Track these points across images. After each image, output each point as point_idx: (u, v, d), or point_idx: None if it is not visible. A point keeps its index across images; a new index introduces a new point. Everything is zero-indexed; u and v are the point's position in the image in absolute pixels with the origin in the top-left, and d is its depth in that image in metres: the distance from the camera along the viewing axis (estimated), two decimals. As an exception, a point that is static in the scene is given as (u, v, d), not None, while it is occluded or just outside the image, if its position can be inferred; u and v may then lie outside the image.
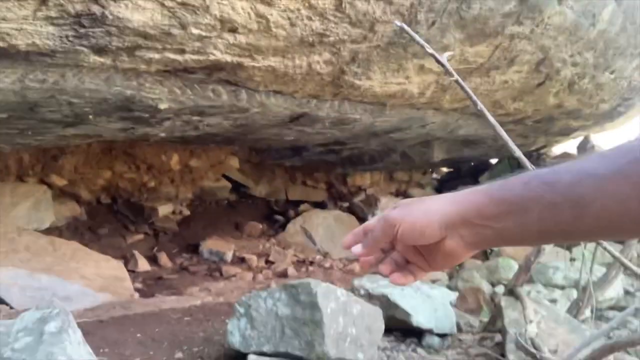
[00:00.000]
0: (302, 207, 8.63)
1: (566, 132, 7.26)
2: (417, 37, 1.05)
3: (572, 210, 0.53)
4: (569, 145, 9.09)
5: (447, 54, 1.11)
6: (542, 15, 3.36)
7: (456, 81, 1.04)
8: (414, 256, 0.70)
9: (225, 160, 7.83)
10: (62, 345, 1.44)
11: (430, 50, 1.04)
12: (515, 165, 9.39)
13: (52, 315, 1.57)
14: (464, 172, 9.73)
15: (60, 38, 2.21)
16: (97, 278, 5.03)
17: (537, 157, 9.05)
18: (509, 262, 5.11)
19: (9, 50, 2.22)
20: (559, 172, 0.55)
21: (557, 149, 9.26)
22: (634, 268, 1.35)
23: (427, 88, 3.95)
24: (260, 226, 8.00)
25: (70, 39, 2.22)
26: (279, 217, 8.36)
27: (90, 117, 3.43)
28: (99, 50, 2.35)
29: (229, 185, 8.19)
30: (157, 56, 2.46)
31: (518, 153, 1.09)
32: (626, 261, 1.34)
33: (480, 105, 1.08)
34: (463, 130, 6.13)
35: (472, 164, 9.41)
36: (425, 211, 0.65)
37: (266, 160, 7.99)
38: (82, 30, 2.19)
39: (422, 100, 4.36)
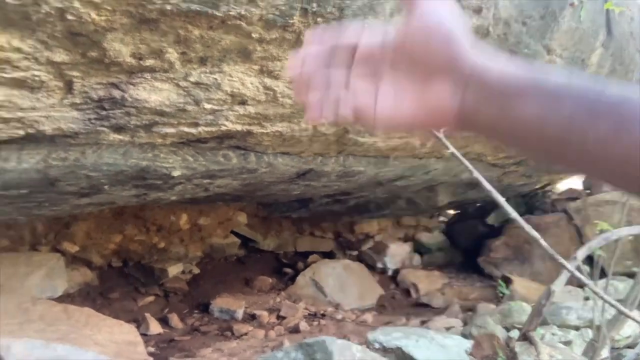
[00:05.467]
0: (311, 258, 8.66)
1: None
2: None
3: (613, 124, 0.44)
4: (574, 182, 9.20)
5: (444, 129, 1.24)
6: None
7: (452, 153, 1.16)
8: (367, 78, 0.52)
9: (233, 217, 7.94)
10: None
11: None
12: (522, 204, 9.47)
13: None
14: (471, 213, 9.79)
15: (83, 121, 2.37)
16: (110, 344, 5.04)
17: (542, 195, 9.16)
18: (521, 305, 5.11)
19: (37, 135, 2.38)
20: (604, 85, 0.47)
21: (562, 185, 9.36)
22: (630, 314, 1.42)
23: (429, 140, 4.11)
24: (270, 280, 8.01)
25: (93, 121, 2.38)
26: (289, 270, 8.38)
27: (106, 187, 3.57)
28: (118, 129, 2.51)
29: (238, 241, 8.27)
30: (172, 130, 2.62)
31: (514, 214, 1.20)
32: (624, 309, 1.41)
33: (476, 173, 1.20)
34: (466, 174, 6.26)
35: (479, 204, 9.49)
36: (455, 22, 0.50)
37: (273, 214, 8.09)
38: (104, 113, 2.35)
39: (424, 150, 4.51)
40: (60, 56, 2.05)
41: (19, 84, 2.14)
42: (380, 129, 0.53)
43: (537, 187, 8.42)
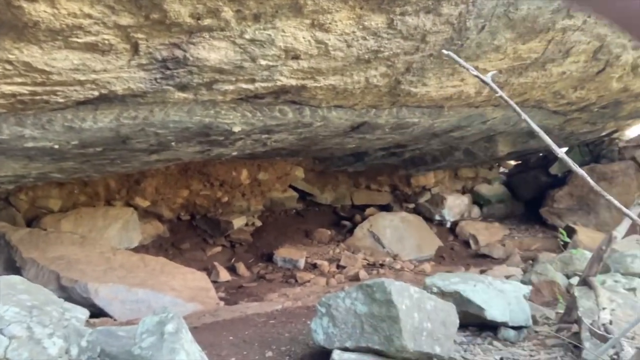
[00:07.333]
0: (368, 211, 8.80)
1: (637, 115, 7.00)
2: (461, 61, 1.23)
3: None
4: (643, 129, 8.68)
5: (491, 73, 1.29)
6: (595, 5, 3.37)
7: (500, 97, 1.21)
8: None
9: (291, 172, 8.16)
10: (180, 343, 1.72)
11: (475, 72, 1.22)
12: (586, 153, 9.08)
13: (168, 318, 1.87)
14: (533, 164, 9.52)
15: (150, 81, 2.55)
16: (185, 289, 5.46)
17: (609, 143, 8.74)
18: (583, 252, 5.03)
19: (109, 96, 2.60)
20: None
21: (630, 132, 8.87)
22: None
23: (484, 87, 4.04)
24: (329, 232, 8.25)
25: (159, 80, 2.56)
26: (346, 223, 8.57)
27: (173, 144, 3.82)
28: (182, 87, 2.68)
29: (296, 194, 8.52)
30: (231, 87, 2.76)
31: (562, 154, 1.24)
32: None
33: (524, 116, 1.24)
34: (526, 122, 6.09)
35: (541, 154, 9.20)
36: None
37: (329, 168, 8.24)
38: (168, 72, 2.52)
39: (479, 99, 4.44)
40: (125, 19, 2.21)
41: (91, 47, 2.33)
42: None
43: (602, 134, 8.03)
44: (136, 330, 2.01)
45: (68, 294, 4.90)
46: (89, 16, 2.13)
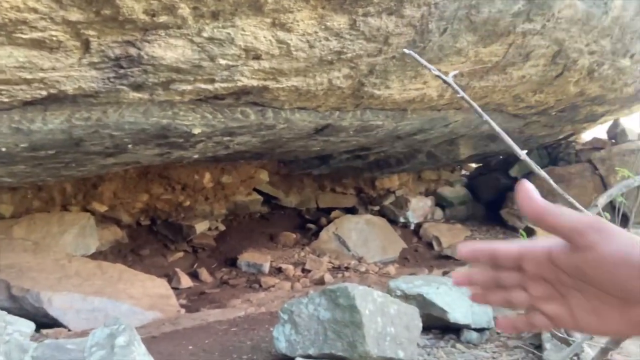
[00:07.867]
0: (333, 214, 8.77)
1: (592, 119, 7.22)
2: (423, 61, 1.19)
3: None
4: (598, 131, 9.00)
5: (453, 73, 1.26)
6: (552, 10, 3.44)
7: (462, 97, 1.18)
8: (556, 301, 0.52)
9: (255, 175, 8.05)
10: (132, 356, 1.63)
11: (437, 72, 1.18)
12: (544, 156, 9.32)
13: (119, 330, 1.76)
14: (493, 166, 9.71)
15: (103, 80, 2.43)
16: (144, 297, 5.28)
17: (566, 146, 8.99)
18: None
19: (59, 95, 2.46)
20: None
21: (586, 135, 9.17)
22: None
23: (446, 90, 4.06)
24: (294, 236, 8.17)
25: (112, 80, 2.44)
26: (312, 226, 8.52)
27: (130, 146, 3.67)
28: (137, 87, 2.57)
29: (261, 198, 8.41)
30: (189, 87, 2.66)
31: (523, 156, 1.22)
32: None
33: (486, 117, 1.21)
34: (487, 126, 6.17)
35: (501, 157, 9.39)
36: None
37: (294, 171, 8.17)
38: (122, 71, 2.41)
39: (442, 102, 4.47)
40: (75, 15, 2.09)
41: (38, 44, 2.20)
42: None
43: (560, 137, 8.26)
44: (86, 343, 1.90)
45: (19, 304, 4.67)
46: (35, 10, 2.00)
